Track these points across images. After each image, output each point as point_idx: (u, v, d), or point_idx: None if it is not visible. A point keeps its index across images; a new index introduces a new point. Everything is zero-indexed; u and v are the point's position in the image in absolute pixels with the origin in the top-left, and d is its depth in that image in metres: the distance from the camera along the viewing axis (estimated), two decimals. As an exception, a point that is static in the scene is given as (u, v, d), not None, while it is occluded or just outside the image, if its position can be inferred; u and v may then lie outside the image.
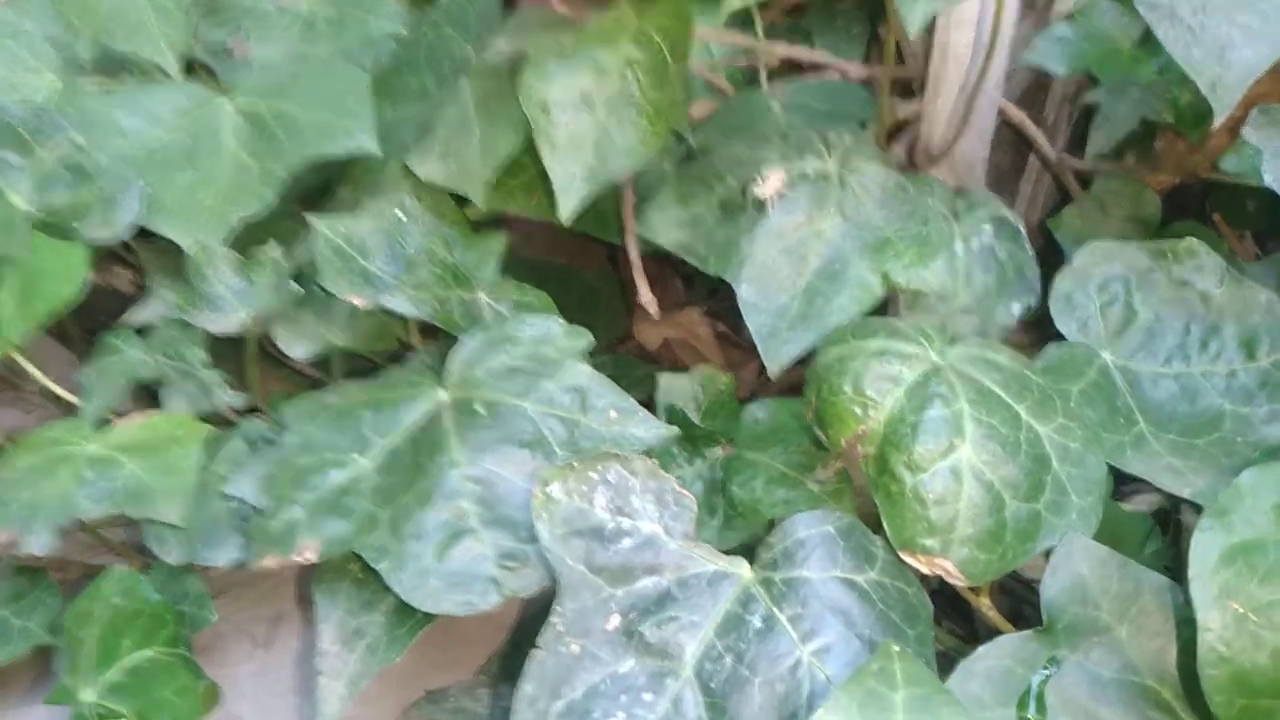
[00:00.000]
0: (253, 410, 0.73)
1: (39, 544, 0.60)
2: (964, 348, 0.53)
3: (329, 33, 0.88)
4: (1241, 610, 0.39)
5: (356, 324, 0.75)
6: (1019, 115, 0.93)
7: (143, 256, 0.85)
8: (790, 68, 0.88)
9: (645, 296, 0.72)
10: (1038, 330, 0.85)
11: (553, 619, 0.48)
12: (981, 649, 0.47)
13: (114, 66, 0.93)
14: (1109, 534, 0.55)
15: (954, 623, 0.67)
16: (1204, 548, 0.41)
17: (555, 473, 0.50)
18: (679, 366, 0.96)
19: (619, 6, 0.72)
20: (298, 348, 0.75)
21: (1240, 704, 0.39)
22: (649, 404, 0.84)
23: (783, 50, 0.85)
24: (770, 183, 0.63)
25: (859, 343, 0.52)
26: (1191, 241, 0.60)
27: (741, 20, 0.92)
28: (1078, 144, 1.00)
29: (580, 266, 0.99)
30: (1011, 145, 0.98)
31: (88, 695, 0.54)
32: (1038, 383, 0.52)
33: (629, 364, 0.89)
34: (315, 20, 0.89)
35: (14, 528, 0.60)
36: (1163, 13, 0.63)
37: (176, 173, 0.80)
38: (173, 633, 0.56)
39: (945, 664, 0.50)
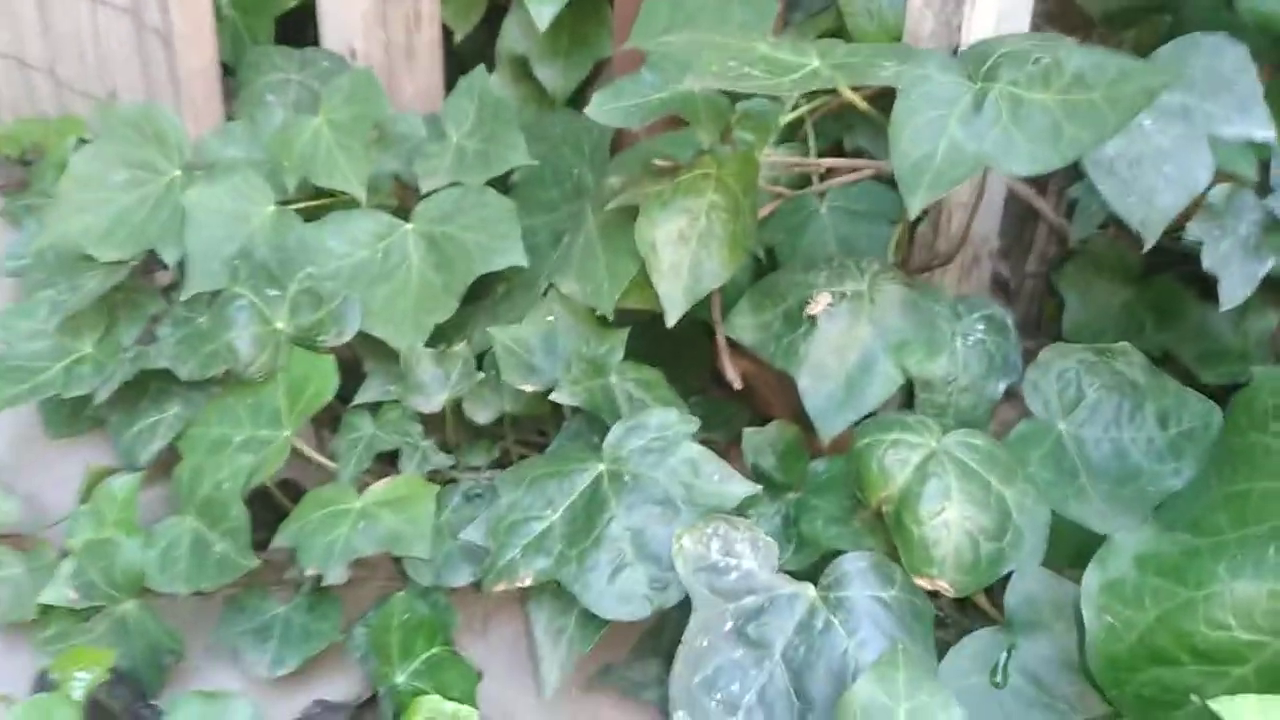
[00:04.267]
0: (456, 465, 1.03)
1: (335, 576, 0.90)
2: (954, 435, 0.80)
3: (476, 163, 1.15)
4: (1111, 620, 0.66)
5: (523, 398, 1.04)
6: (1027, 191, 1.17)
7: (353, 340, 1.14)
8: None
9: (730, 375, 1.00)
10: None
11: (691, 624, 0.77)
12: (965, 639, 0.75)
13: (312, 191, 1.21)
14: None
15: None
16: (1089, 581, 0.67)
17: (685, 530, 0.79)
18: (759, 397, 1.23)
19: (701, 161, 0.98)
20: (482, 415, 1.04)
21: (1110, 676, 0.66)
22: (739, 439, 1.11)
23: (828, 162, 1.10)
24: (819, 303, 0.90)
25: (881, 434, 0.80)
26: (1125, 345, 0.85)
27: (793, 129, 1.17)
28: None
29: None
30: (1024, 202, 1.22)
31: (400, 678, 0.85)
32: (1004, 457, 0.79)
33: (718, 405, 1.15)
34: (465, 152, 1.16)
35: (317, 565, 0.91)
36: (1104, 169, 0.87)
37: (378, 286, 1.09)
38: (445, 636, 0.87)
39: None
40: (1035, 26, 1.14)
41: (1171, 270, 1.15)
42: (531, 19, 1.39)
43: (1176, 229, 1.02)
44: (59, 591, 0.92)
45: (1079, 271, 1.16)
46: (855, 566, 0.77)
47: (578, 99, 1.51)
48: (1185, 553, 0.64)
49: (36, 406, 1.18)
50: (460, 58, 1.64)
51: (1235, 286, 0.95)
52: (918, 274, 1.06)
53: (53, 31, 1.89)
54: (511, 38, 1.53)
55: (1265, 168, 0.97)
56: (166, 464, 1.05)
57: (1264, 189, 0.96)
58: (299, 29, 1.64)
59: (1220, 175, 0.93)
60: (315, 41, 1.59)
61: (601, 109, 0.97)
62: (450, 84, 1.63)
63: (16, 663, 0.94)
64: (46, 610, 0.93)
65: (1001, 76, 0.82)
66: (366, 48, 1.56)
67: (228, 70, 1.62)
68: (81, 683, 0.83)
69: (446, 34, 1.62)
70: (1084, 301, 1.15)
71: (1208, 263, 0.96)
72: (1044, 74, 0.81)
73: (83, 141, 1.80)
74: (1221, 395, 0.83)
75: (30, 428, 1.18)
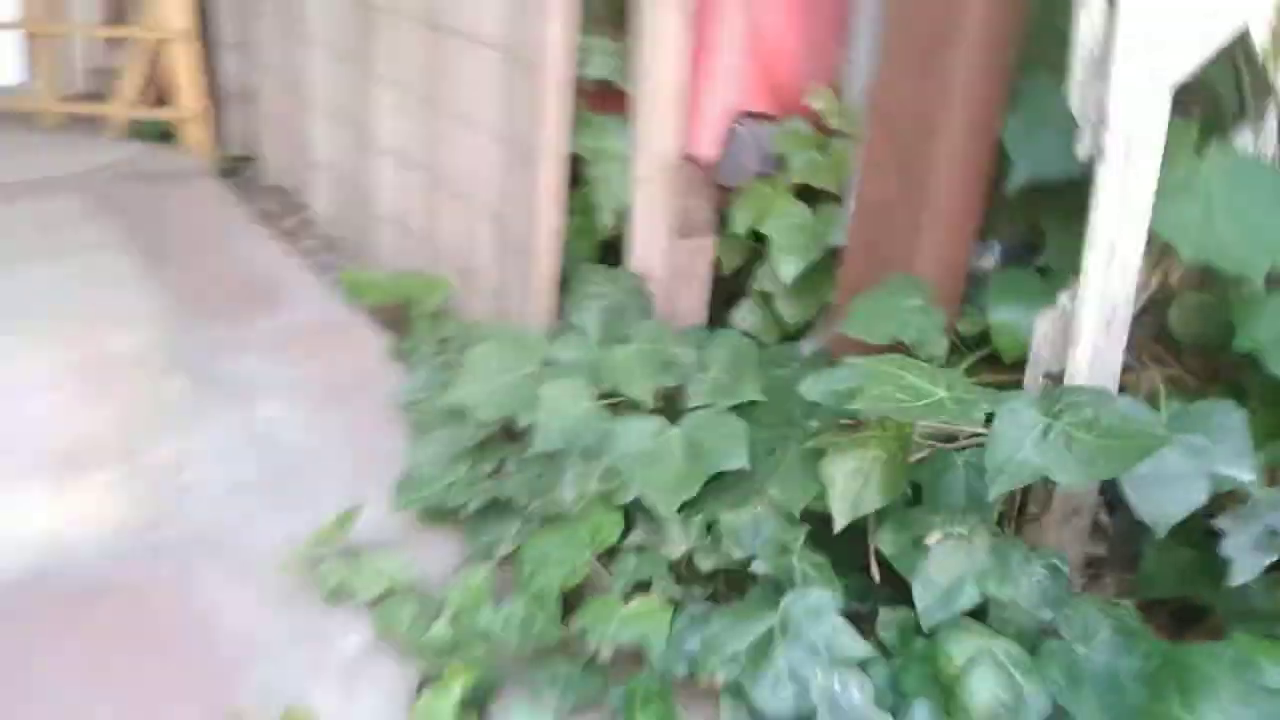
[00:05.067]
0: (686, 593, 1.59)
1: (606, 653, 1.48)
2: (999, 642, 1.28)
3: (724, 392, 1.74)
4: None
5: (734, 560, 1.59)
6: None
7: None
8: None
9: (874, 572, 1.52)
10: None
11: (816, 729, 1.29)
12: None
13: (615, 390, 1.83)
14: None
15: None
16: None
17: (821, 671, 1.32)
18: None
19: (871, 424, 1.51)
20: (706, 565, 1.60)
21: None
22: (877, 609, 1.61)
23: (964, 430, 1.60)
24: (934, 538, 1.41)
25: (951, 633, 1.29)
26: (1129, 604, 1.31)
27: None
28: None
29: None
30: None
31: (637, 725, 1.42)
32: (1027, 663, 1.27)
33: (869, 584, 1.66)
34: (719, 383, 1.75)
35: (597, 642, 1.49)
36: (1134, 481, 1.34)
37: (652, 466, 1.68)
38: (668, 706, 1.43)
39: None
40: (1135, 352, 1.61)
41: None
42: (778, 272, 1.99)
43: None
44: (438, 632, 1.55)
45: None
46: (922, 713, 1.27)
47: (806, 328, 2.09)
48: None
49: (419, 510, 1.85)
50: (724, 281, 2.27)
51: (1243, 571, 1.38)
52: (1027, 520, 1.55)
53: (436, 215, 2.67)
54: (762, 278, 2.13)
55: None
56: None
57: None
58: (613, 250, 2.30)
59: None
60: (623, 260, 2.25)
61: (813, 391, 1.52)
62: (715, 301, 2.26)
63: (406, 672, 1.57)
64: (427, 642, 1.56)
65: (1063, 418, 1.32)
66: (660, 272, 2.21)
67: (563, 276, 2.31)
68: (454, 693, 1.44)
69: (716, 264, 2.25)
70: (1157, 556, 1.59)
71: (1224, 550, 1.40)
72: (1088, 422, 1.30)
73: (446, 298, 2.55)
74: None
75: (411, 522, 1.85)
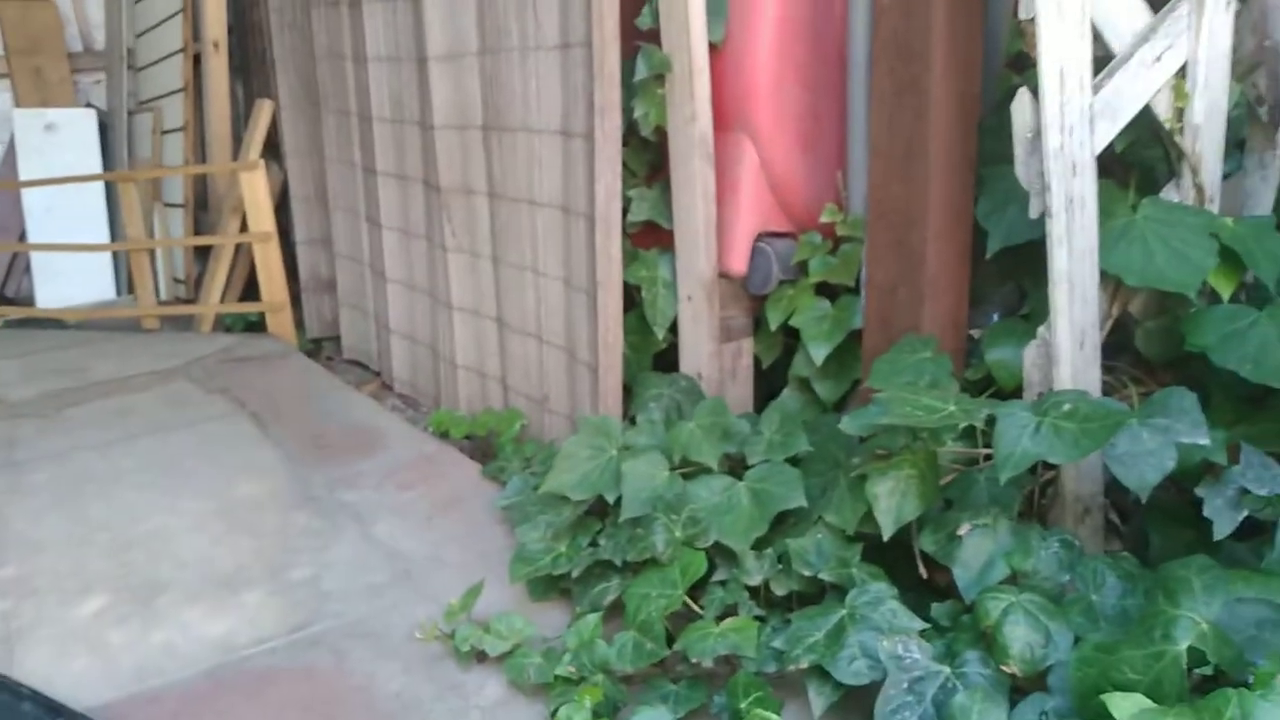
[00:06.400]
0: (767, 611, 1.93)
1: (706, 661, 1.81)
2: (1026, 595, 1.61)
3: (778, 449, 2.12)
4: (1079, 671, 1.45)
5: (804, 579, 1.94)
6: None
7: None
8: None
9: (921, 569, 1.86)
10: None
11: (886, 685, 1.61)
12: (1021, 704, 1.55)
13: (686, 461, 2.22)
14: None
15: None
16: (1073, 660, 1.47)
17: (886, 639, 1.64)
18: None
19: (903, 451, 1.88)
20: (780, 589, 1.94)
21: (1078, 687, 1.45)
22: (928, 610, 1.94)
23: (984, 453, 1.96)
24: (964, 530, 1.76)
25: (989, 594, 1.63)
26: (1127, 555, 1.65)
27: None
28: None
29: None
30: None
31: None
32: (1052, 609, 1.60)
33: (919, 593, 1.99)
34: (774, 443, 2.13)
35: (698, 657, 1.82)
36: (1116, 457, 1.69)
37: (724, 515, 2.05)
38: (766, 694, 1.74)
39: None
40: (1114, 375, 1.99)
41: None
42: (811, 357, 2.40)
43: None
44: (563, 669, 1.89)
45: (1157, 519, 1.93)
46: (973, 659, 1.59)
47: (841, 403, 2.48)
48: (1108, 649, 1.44)
49: (524, 586, 2.21)
50: (766, 375, 2.68)
51: (1223, 526, 1.72)
52: (1044, 516, 1.89)
53: (508, 356, 3.11)
54: (798, 365, 2.54)
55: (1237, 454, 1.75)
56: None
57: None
58: (668, 357, 2.73)
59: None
60: (676, 367, 2.67)
61: (850, 424, 1.90)
62: (758, 393, 2.65)
63: (536, 711, 1.90)
64: (558, 678, 1.89)
65: (1050, 414, 1.69)
66: (708, 372, 2.62)
67: (626, 386, 2.72)
68: (587, 707, 1.77)
69: (756, 361, 2.66)
70: (1161, 536, 1.91)
71: (1206, 511, 1.73)
72: (1069, 414, 1.68)
73: (523, 426, 2.95)
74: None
75: (524, 598, 2.20)
